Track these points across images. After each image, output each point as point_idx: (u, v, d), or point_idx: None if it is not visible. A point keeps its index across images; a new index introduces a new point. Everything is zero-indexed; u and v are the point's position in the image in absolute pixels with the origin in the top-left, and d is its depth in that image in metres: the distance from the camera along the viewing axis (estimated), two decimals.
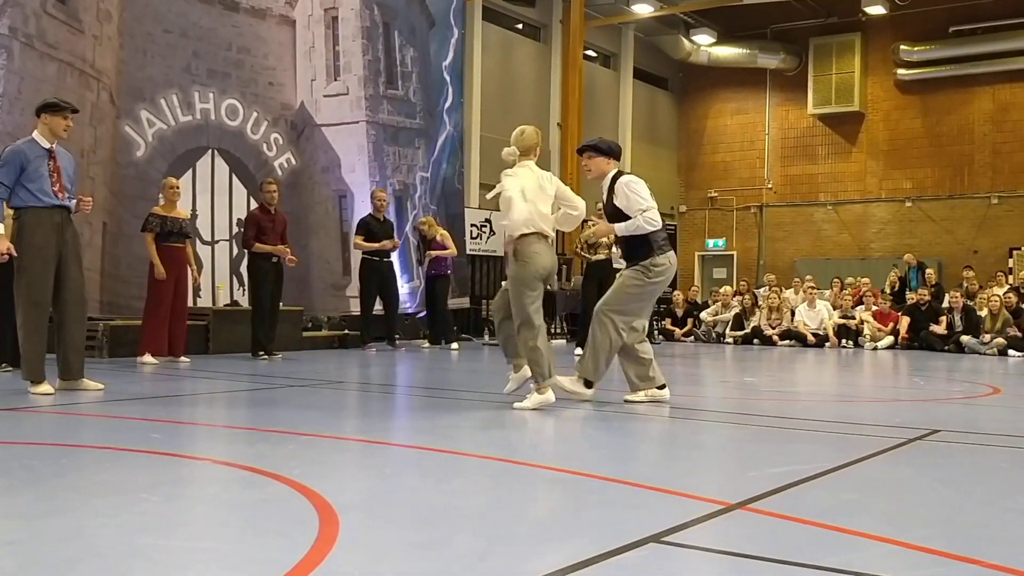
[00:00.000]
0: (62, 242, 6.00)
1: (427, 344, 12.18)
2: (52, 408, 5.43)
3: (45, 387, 5.93)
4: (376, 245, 11.12)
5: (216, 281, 11.06)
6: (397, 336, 11.65)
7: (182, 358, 8.79)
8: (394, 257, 11.67)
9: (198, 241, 10.80)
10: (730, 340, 15.20)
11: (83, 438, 4.52)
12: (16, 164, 5.84)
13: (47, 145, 5.98)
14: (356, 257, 12.09)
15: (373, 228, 11.20)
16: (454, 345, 12.01)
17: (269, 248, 9.55)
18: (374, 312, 11.38)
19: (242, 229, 10.45)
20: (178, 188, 8.92)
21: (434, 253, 12.12)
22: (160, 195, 8.94)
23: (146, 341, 8.63)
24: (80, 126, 9.44)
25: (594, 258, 11.19)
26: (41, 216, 5.90)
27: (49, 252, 5.92)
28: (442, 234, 12.30)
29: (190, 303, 9.40)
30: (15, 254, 5.82)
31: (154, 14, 10.50)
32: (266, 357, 9.44)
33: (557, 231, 6.08)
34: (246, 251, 9.85)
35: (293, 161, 11.99)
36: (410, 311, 13.34)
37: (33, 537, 2.61)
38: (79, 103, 8.75)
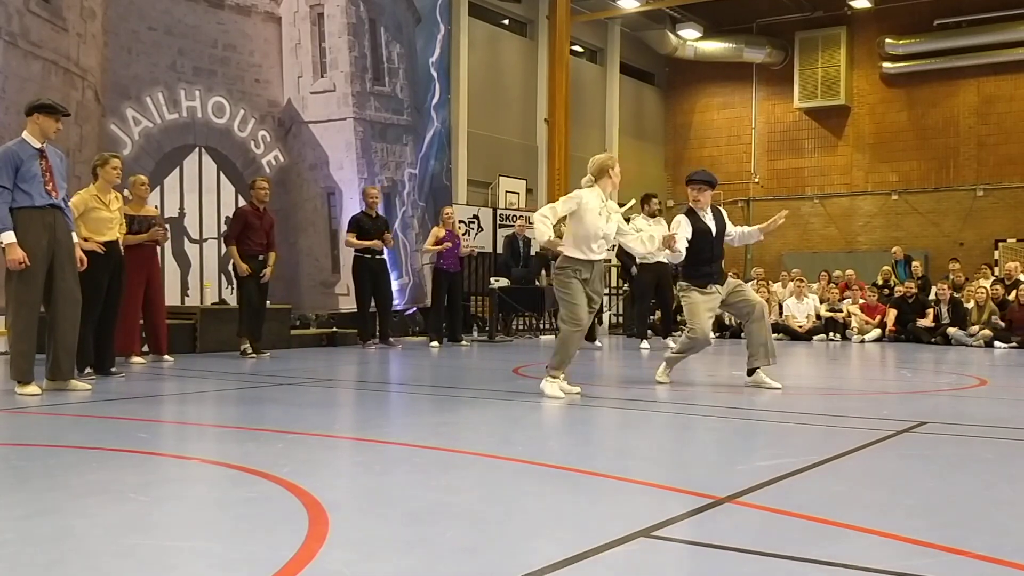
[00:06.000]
0: (54, 242, 5.98)
1: (436, 343, 11.95)
2: (40, 409, 5.41)
3: (33, 388, 5.91)
4: (365, 243, 11.06)
5: (204, 280, 11.02)
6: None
7: (165, 356, 8.71)
8: (386, 253, 11.60)
9: (186, 240, 10.75)
10: (715, 334, 15.19)
11: (71, 438, 4.50)
12: (11, 165, 5.81)
13: (37, 145, 5.96)
14: (346, 255, 12.05)
15: (365, 225, 11.15)
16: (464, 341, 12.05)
17: (242, 265, 9.45)
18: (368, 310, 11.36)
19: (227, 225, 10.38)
20: (147, 185, 8.70)
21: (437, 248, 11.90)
22: (128, 192, 8.59)
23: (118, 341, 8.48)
24: (66, 125, 9.33)
25: (651, 260, 11.25)
26: (33, 216, 5.88)
27: (39, 252, 5.89)
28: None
29: (178, 302, 9.33)
30: (30, 262, 5.80)
31: (138, 12, 10.43)
32: (254, 355, 9.41)
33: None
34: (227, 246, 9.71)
35: (281, 158, 11.95)
36: (399, 307, 13.31)
37: (21, 538, 2.60)
38: (64, 101, 8.68)
